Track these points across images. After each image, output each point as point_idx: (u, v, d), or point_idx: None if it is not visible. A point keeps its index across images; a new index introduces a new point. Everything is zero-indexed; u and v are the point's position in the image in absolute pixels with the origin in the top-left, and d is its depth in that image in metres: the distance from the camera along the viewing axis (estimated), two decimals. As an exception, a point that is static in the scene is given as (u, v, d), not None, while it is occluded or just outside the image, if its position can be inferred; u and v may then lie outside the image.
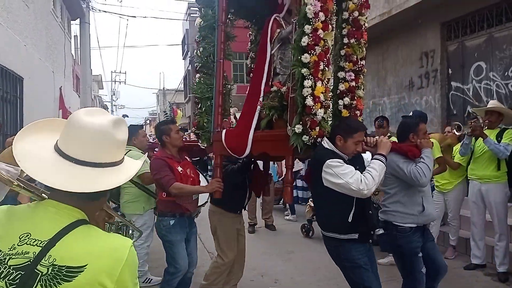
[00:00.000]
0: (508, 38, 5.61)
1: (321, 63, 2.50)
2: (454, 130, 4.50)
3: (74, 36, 14.09)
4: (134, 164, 1.22)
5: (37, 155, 1.07)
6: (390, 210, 2.94)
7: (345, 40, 2.92)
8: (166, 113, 10.74)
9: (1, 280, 0.95)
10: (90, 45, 11.89)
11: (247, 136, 2.91)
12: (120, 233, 2.60)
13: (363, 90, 3.02)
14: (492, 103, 4.44)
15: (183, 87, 28.73)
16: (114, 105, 37.29)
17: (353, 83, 2.91)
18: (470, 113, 6.11)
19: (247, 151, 2.93)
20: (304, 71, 2.48)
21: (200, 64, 3.30)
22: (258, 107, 2.93)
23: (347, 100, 2.89)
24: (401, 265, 2.98)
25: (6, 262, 0.97)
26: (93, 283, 0.97)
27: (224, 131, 3.09)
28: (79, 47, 12.86)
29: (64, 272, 0.96)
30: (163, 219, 3.24)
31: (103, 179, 1.08)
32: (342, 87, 2.90)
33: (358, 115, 2.98)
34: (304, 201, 7.66)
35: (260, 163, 3.76)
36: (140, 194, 4.11)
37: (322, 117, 2.52)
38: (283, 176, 7.42)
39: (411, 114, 4.61)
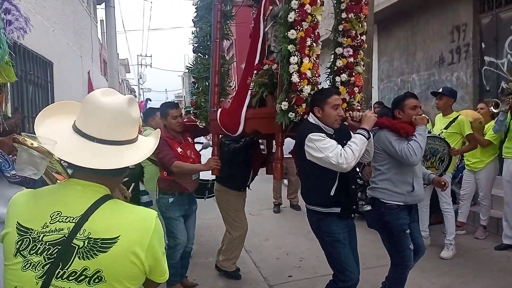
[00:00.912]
0: (547, 8, 5.27)
1: (308, 39, 2.46)
2: (492, 108, 4.33)
3: (100, 20, 14.28)
4: (149, 141, 1.26)
5: (59, 136, 1.11)
6: (378, 187, 2.90)
7: (343, 15, 2.83)
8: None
9: (38, 255, 1.03)
10: (116, 29, 12.00)
11: (239, 114, 2.95)
12: None
13: (362, 66, 2.95)
14: None
15: (207, 69, 28.74)
16: (141, 88, 37.89)
17: (351, 59, 2.84)
18: (505, 89, 5.83)
19: (240, 130, 2.97)
20: (290, 47, 2.45)
21: (197, 44, 3.36)
22: (249, 85, 2.94)
23: (344, 76, 2.83)
24: (388, 242, 2.95)
25: (41, 239, 1.04)
26: (126, 252, 1.05)
27: (219, 110, 3.15)
28: (105, 31, 13.03)
29: (100, 244, 1.03)
30: (163, 196, 3.36)
31: (125, 155, 1.13)
32: (339, 63, 2.84)
33: (357, 91, 2.93)
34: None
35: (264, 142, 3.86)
36: (157, 171, 4.24)
37: (309, 93, 2.50)
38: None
39: (440, 90, 4.44)
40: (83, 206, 1.07)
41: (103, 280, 1.02)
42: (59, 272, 1.01)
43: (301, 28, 2.44)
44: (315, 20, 2.49)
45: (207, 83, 3.31)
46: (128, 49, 53.54)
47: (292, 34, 2.44)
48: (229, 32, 3.52)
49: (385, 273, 3.22)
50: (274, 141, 3.56)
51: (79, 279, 1.01)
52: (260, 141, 4.00)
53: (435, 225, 4.86)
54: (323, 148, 2.36)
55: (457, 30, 6.70)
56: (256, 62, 2.98)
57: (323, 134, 2.43)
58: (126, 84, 34.79)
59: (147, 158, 4.50)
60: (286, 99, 2.50)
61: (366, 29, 2.93)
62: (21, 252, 1.04)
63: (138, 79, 36.27)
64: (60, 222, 1.05)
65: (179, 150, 3.27)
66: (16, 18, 2.14)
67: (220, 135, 3.51)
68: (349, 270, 2.57)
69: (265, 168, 3.89)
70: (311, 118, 2.55)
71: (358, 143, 2.41)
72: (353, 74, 2.87)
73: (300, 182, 2.86)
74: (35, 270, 1.02)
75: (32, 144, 1.10)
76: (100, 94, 1.15)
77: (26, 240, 1.04)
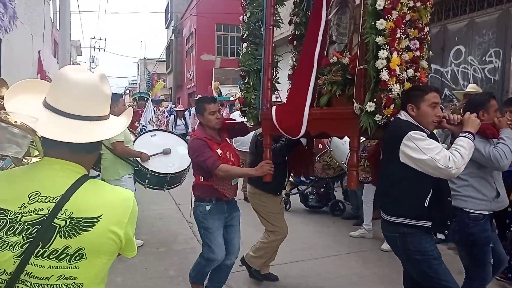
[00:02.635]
0: (488, 23, 5.74)
1: (398, 31, 2.16)
2: None
3: (53, -2, 13.51)
4: (121, 119, 1.29)
5: (30, 111, 1.11)
6: (461, 195, 2.61)
7: (410, 3, 2.42)
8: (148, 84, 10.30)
9: (16, 235, 1.03)
10: (70, 8, 11.43)
11: (301, 114, 2.58)
12: None
13: (426, 60, 2.63)
14: (471, 87, 4.58)
15: (165, 57, 28.16)
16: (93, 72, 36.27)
17: (418, 53, 2.47)
18: (447, 96, 6.30)
19: (303, 131, 2.60)
20: (379, 39, 2.15)
21: (248, 32, 2.89)
22: (312, 80, 2.57)
23: (411, 72, 2.41)
24: (469, 256, 2.67)
25: (19, 219, 1.04)
26: (107, 230, 1.09)
27: (274, 108, 2.77)
28: (58, 10, 12.35)
29: (83, 223, 1.06)
30: (199, 204, 3.02)
31: (98, 130, 1.15)
32: (405, 57, 2.40)
33: None
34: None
35: (303, 140, 3.42)
36: (115, 160, 4.23)
37: (397, 93, 2.20)
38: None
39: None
40: (63, 186, 1.08)
41: (84, 257, 1.06)
42: (39, 251, 1.03)
43: (391, 18, 2.14)
44: (404, 9, 2.22)
45: (257, 77, 2.89)
46: (81, 30, 50.97)
47: (381, 24, 2.13)
48: (279, 18, 3.02)
49: (332, 262, 3.43)
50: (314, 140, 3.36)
51: (60, 257, 1.04)
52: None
53: (378, 219, 5.15)
54: (427, 149, 2.08)
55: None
56: (317, 53, 2.62)
57: (424, 134, 2.16)
58: (78, 67, 33.15)
59: (104, 146, 4.34)
60: (374, 99, 2.18)
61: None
62: None
63: (90, 63, 34.70)
64: (39, 202, 1.06)
65: (219, 151, 2.94)
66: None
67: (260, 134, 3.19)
68: None
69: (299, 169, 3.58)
70: (403, 115, 2.27)
71: (466, 146, 2.13)
72: (419, 69, 2.51)
73: (376, 189, 2.56)
74: (13, 250, 1.02)
75: (15, 122, 1.08)
76: (71, 70, 1.15)
77: (3, 221, 1.04)
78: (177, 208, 6.26)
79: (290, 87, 3.01)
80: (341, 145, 5.00)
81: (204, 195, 3.00)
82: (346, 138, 3.40)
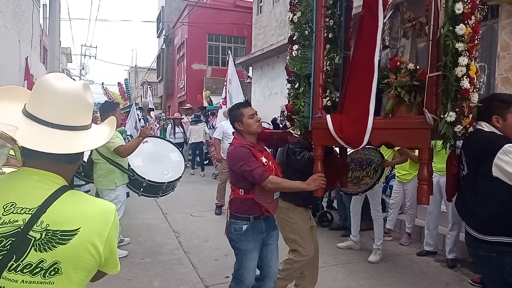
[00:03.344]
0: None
1: (476, 37, 2.07)
2: None
3: (43, 4, 13.44)
4: (104, 129, 1.25)
5: (9, 120, 1.06)
6: None
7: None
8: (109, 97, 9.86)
9: None
10: (60, 15, 11.37)
11: (365, 123, 2.37)
12: None
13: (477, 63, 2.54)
14: None
15: (156, 66, 28.12)
16: (83, 79, 36.04)
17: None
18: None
19: (365, 141, 2.39)
20: (459, 46, 2.04)
21: (298, 34, 2.65)
22: (374, 86, 2.38)
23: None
24: None
25: None
26: (85, 244, 1.04)
27: (329, 116, 2.54)
28: (48, 16, 12.28)
29: (59, 236, 1.01)
30: (235, 221, 2.73)
31: (81, 141, 1.12)
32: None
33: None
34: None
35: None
36: (112, 169, 4.23)
37: (476, 103, 2.12)
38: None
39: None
40: (40, 197, 1.04)
41: (59, 272, 1.01)
42: (12, 264, 0.98)
43: (471, 23, 2.02)
44: (479, 15, 2.11)
45: (307, 83, 2.67)
46: (72, 38, 50.73)
47: (461, 29, 2.02)
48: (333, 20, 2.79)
49: (319, 273, 3.41)
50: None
51: (34, 271, 0.99)
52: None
53: (366, 231, 5.18)
54: None
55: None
56: (376, 57, 2.46)
57: None
58: (67, 74, 32.92)
59: (99, 154, 4.31)
60: (457, 109, 2.05)
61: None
62: None
63: (80, 70, 34.45)
64: (15, 213, 1.01)
65: (264, 160, 2.72)
66: None
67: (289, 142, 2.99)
68: None
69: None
70: (485, 127, 2.17)
71: None
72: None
73: (457, 204, 2.46)
74: None
75: None
76: (53, 78, 1.12)
77: None
78: (164, 217, 6.18)
79: (341, 93, 2.77)
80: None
81: (242, 211, 2.71)
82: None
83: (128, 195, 4.81)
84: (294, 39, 2.68)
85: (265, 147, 2.95)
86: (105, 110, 4.30)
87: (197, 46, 19.94)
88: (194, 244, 4.94)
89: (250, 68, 15.08)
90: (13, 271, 0.98)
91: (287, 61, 2.70)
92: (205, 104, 14.40)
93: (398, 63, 2.38)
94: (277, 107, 11.05)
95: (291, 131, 2.71)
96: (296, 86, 2.68)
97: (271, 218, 2.85)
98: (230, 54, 9.28)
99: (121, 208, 4.40)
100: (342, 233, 5.35)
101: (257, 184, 2.62)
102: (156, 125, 11.41)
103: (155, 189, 4.57)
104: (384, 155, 4.46)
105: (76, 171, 4.71)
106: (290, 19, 2.70)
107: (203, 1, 16.33)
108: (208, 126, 10.98)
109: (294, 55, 2.67)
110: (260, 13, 13.63)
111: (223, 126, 6.62)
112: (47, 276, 1.00)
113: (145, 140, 4.48)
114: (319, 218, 5.88)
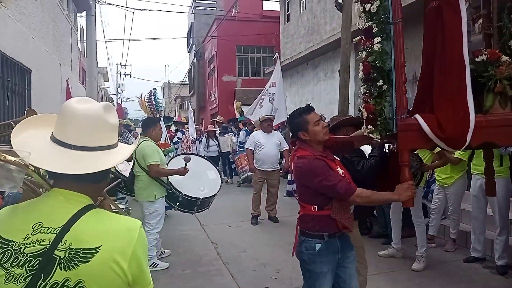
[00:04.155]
0: None
1: None
2: None
3: (80, 28, 14.16)
4: (128, 148, 1.27)
5: (36, 145, 1.13)
6: None
7: None
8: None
9: (20, 267, 1.02)
10: (96, 37, 11.94)
11: (466, 121, 2.19)
12: None
13: None
14: None
15: (188, 80, 28.78)
16: (120, 97, 37.43)
17: None
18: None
19: (468, 141, 2.21)
20: None
21: (381, 27, 2.37)
22: (469, 82, 2.23)
23: None
24: None
25: (22, 251, 1.03)
26: (107, 262, 1.04)
27: (419, 117, 2.34)
28: (85, 39, 12.93)
29: (81, 254, 1.03)
30: (306, 240, 2.46)
31: (102, 159, 1.14)
32: None
33: None
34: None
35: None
36: (151, 182, 4.38)
37: None
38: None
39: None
40: (65, 216, 1.06)
41: None
42: (41, 283, 1.00)
43: None
44: None
45: (389, 80, 2.42)
46: (108, 58, 53.01)
47: None
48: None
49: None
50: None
51: None
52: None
53: (408, 238, 5.02)
54: None
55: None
56: (466, 51, 2.30)
57: None
58: (105, 93, 34.33)
59: (140, 167, 4.42)
60: None
61: None
62: (3, 264, 1.03)
63: (117, 88, 35.85)
64: (42, 233, 1.04)
65: (340, 171, 2.44)
66: None
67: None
68: None
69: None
70: None
71: None
72: None
73: None
74: (17, 283, 1.01)
75: (5, 158, 1.08)
76: (75, 102, 1.16)
77: (8, 253, 1.03)
78: (202, 228, 6.26)
79: (418, 91, 2.56)
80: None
81: (316, 229, 2.43)
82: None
83: (167, 208, 4.93)
84: (373, 31, 2.38)
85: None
86: (146, 125, 4.57)
87: (226, 59, 20.25)
88: (232, 254, 4.97)
89: (280, 76, 15.11)
90: None
91: (360, 56, 2.43)
92: (237, 115, 14.53)
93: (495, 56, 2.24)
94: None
95: (370, 135, 2.42)
96: (379, 83, 2.37)
97: (347, 236, 2.54)
98: (278, 56, 9.29)
99: (160, 221, 4.51)
100: (383, 241, 5.20)
101: (342, 200, 2.36)
102: (191, 138, 11.58)
103: (190, 205, 4.64)
104: (422, 158, 4.33)
105: (118, 185, 4.94)
106: (365, 10, 2.42)
107: (231, 14, 16.61)
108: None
109: (376, 49, 2.37)
110: (288, 21, 13.69)
111: (255, 136, 6.66)
112: None
113: (184, 156, 4.62)
114: (358, 226, 5.75)
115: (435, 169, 4.89)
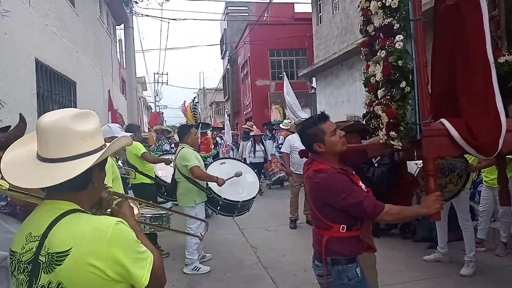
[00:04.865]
0: None
1: None
2: None
3: (119, 40, 14.76)
4: (90, 159, 1.19)
5: (18, 162, 1.20)
6: None
7: None
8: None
9: (22, 274, 1.14)
10: (134, 48, 12.39)
11: (498, 125, 2.03)
12: (158, 223, 2.82)
13: None
14: None
15: (222, 86, 29.21)
16: (158, 105, 38.54)
17: None
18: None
19: (500, 147, 2.05)
20: None
21: (402, 24, 2.14)
22: (495, 83, 2.09)
23: None
24: None
25: (21, 259, 1.15)
26: (81, 263, 1.08)
27: (446, 121, 2.15)
28: (123, 51, 13.46)
29: (56, 258, 1.09)
30: (346, 269, 2.12)
31: (68, 169, 1.13)
32: None
33: None
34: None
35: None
36: (191, 188, 4.49)
37: None
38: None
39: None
40: (44, 224, 1.14)
41: None
42: (34, 286, 1.11)
43: None
44: None
45: (410, 82, 2.20)
46: (145, 67, 54.76)
47: None
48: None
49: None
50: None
51: None
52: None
53: (454, 241, 4.80)
54: None
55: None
56: (490, 50, 2.16)
57: None
58: (143, 102, 35.49)
59: (180, 173, 4.52)
60: None
61: None
62: (13, 273, 1.17)
63: (155, 96, 36.92)
64: (31, 242, 1.15)
65: (363, 186, 2.21)
66: None
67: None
68: None
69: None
70: None
71: None
72: None
73: None
74: (22, 287, 1.13)
75: None
76: (45, 116, 1.19)
77: (14, 262, 1.17)
78: (241, 233, 6.30)
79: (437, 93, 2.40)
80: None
81: (350, 252, 2.14)
82: None
83: (208, 214, 5.03)
84: (394, 28, 2.15)
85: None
86: (182, 133, 4.71)
87: (259, 63, 20.37)
88: (272, 259, 4.97)
89: (314, 78, 15.00)
90: None
91: (380, 56, 2.22)
92: (273, 119, 14.54)
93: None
94: (343, 116, 10.85)
95: (391, 142, 2.17)
96: (402, 85, 2.14)
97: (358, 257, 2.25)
98: (286, 76, 9.51)
99: (201, 225, 4.58)
100: (428, 245, 5.01)
101: (369, 218, 2.14)
102: (229, 144, 11.69)
103: (231, 208, 4.72)
104: (468, 158, 4.14)
105: (159, 190, 5.11)
106: (384, 5, 2.21)
107: (263, 19, 16.70)
108: (274, 141, 11.01)
109: (398, 47, 2.13)
110: (320, 23, 13.57)
111: (290, 140, 6.64)
112: None
113: (222, 161, 4.69)
114: (400, 229, 5.59)
115: (482, 170, 4.66)
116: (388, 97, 2.18)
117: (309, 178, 2.24)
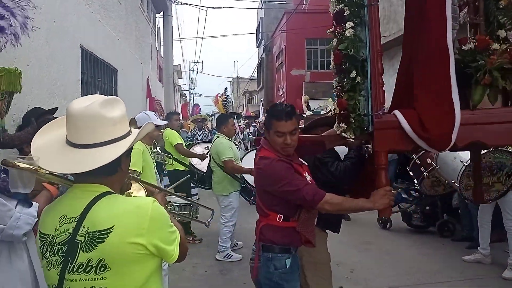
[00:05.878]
0: None
1: None
2: None
3: (157, 28, 15.03)
4: (132, 137, 1.28)
5: (49, 147, 1.25)
6: None
7: None
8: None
9: (55, 255, 1.19)
10: (172, 37, 12.58)
11: (452, 118, 1.92)
12: (184, 213, 2.87)
13: None
14: None
15: (256, 75, 29.17)
16: (192, 93, 39.10)
17: None
18: None
19: (452, 142, 1.93)
20: None
21: (353, 9, 2.07)
22: (453, 72, 1.96)
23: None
24: None
25: (55, 241, 1.20)
26: (123, 240, 1.14)
27: (398, 113, 2.04)
28: (161, 39, 13.69)
29: (98, 236, 1.15)
30: (275, 257, 2.13)
31: (102, 155, 1.18)
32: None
33: None
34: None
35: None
36: (224, 177, 4.56)
37: None
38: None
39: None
40: (81, 206, 1.19)
41: (107, 267, 1.14)
42: (69, 267, 1.15)
43: None
44: None
45: (363, 72, 2.11)
46: (182, 55, 55.49)
47: None
48: None
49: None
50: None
51: (87, 270, 1.14)
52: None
53: (497, 242, 4.61)
54: None
55: None
56: (450, 37, 2.01)
57: None
58: (179, 89, 36.10)
59: (215, 162, 4.62)
60: None
61: None
62: (44, 255, 1.21)
63: (190, 84, 37.47)
64: (66, 223, 1.19)
65: (308, 177, 2.20)
66: (9, 24, 2.00)
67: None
68: None
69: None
70: None
71: None
72: None
73: None
74: (55, 268, 1.18)
75: (19, 166, 1.23)
76: (75, 103, 1.23)
77: (46, 244, 1.21)
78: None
79: (398, 83, 2.32)
80: (451, 162, 4.36)
81: (282, 242, 2.14)
82: (458, 153, 3.04)
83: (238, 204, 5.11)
84: (345, 15, 2.08)
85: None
86: (220, 122, 4.78)
87: (295, 52, 20.13)
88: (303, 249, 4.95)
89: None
90: (71, 272, 1.15)
91: (332, 44, 2.15)
92: (304, 109, 14.37)
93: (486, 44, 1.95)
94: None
95: (343, 134, 2.11)
96: (353, 74, 2.07)
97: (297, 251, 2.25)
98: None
99: (235, 214, 4.66)
100: (468, 245, 4.83)
101: (309, 207, 2.09)
102: (262, 133, 11.72)
103: (248, 192, 4.77)
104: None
105: (192, 178, 5.22)
106: None
107: (302, 7, 16.43)
108: None
109: (348, 35, 2.06)
110: (360, 12, 13.20)
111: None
112: (98, 273, 1.14)
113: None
114: (438, 228, 5.42)
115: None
116: (340, 87, 2.11)
117: (255, 164, 2.26)
